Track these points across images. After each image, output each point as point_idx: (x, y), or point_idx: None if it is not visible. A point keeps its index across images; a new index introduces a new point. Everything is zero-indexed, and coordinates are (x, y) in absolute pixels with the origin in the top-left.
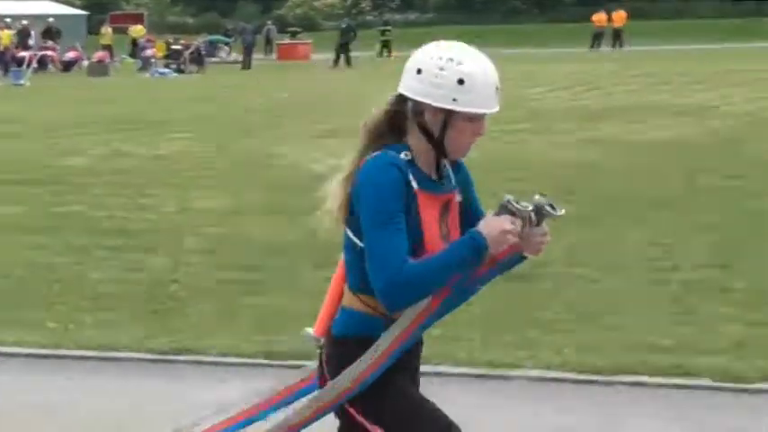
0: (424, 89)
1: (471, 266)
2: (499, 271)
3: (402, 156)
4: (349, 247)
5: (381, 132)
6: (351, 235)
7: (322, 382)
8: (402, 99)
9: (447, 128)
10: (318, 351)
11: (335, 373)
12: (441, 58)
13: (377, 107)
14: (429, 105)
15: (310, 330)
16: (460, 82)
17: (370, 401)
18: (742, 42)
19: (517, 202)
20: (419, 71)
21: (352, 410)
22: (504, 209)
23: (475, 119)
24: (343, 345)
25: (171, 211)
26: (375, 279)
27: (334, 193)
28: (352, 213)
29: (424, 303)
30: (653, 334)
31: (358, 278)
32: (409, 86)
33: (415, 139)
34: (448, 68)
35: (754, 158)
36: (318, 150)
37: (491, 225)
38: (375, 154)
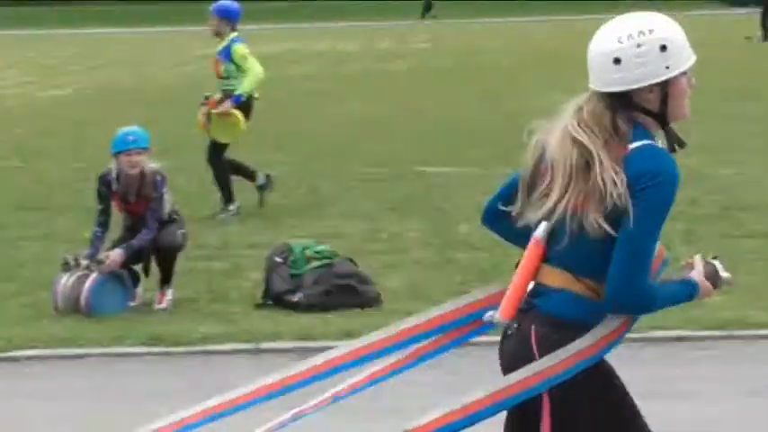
0: (632, 75)
1: (678, 303)
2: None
3: (660, 145)
4: (597, 236)
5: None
6: (605, 224)
7: (520, 363)
8: (599, 96)
9: (668, 97)
10: (510, 332)
11: (550, 352)
12: (631, 37)
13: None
14: (641, 87)
15: (496, 314)
16: (663, 48)
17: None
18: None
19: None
20: (617, 60)
21: (546, 402)
22: (713, 271)
23: (687, 71)
24: (566, 327)
25: None
26: (622, 277)
27: (564, 182)
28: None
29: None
30: None
31: (596, 265)
32: (614, 80)
33: (644, 124)
34: (645, 42)
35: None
36: None
37: (705, 287)
38: (644, 143)
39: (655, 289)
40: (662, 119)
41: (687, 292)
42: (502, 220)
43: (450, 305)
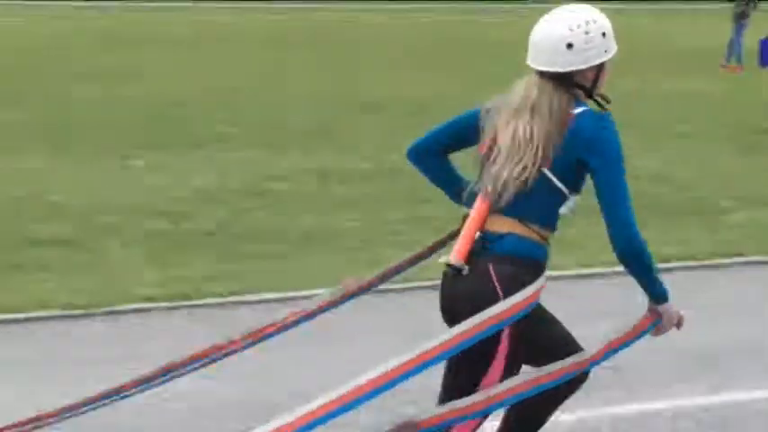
0: (581, 57)
1: (653, 290)
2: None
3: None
4: (546, 189)
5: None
6: (554, 179)
7: (483, 287)
8: (547, 75)
9: (599, 78)
10: (465, 273)
11: (510, 286)
12: (579, 26)
13: (522, 87)
14: (582, 68)
15: (450, 257)
16: (604, 35)
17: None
18: None
19: None
20: (570, 46)
21: (505, 332)
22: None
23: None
24: (520, 263)
25: None
26: (623, 226)
27: (524, 154)
28: (557, 161)
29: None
30: None
31: (545, 215)
32: (566, 62)
33: (578, 96)
34: (592, 30)
35: None
36: None
37: (674, 309)
38: (585, 109)
39: (645, 243)
40: (590, 93)
41: (662, 286)
42: (428, 158)
43: (404, 258)
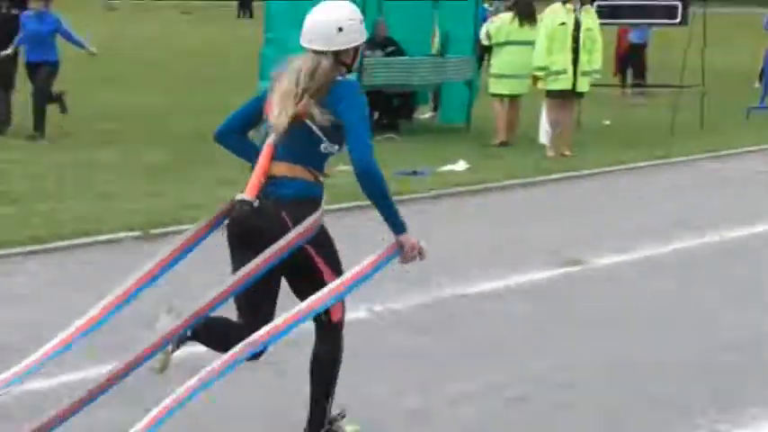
0: (349, 38)
1: (389, 219)
2: (384, 264)
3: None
4: (312, 138)
5: (318, 72)
6: (316, 130)
7: (280, 230)
8: (320, 53)
9: (356, 54)
10: (253, 208)
11: (298, 220)
12: (346, 15)
13: (301, 60)
14: (348, 47)
15: (242, 195)
16: (361, 22)
17: (322, 246)
18: None
19: None
20: (340, 29)
21: (311, 251)
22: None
23: None
24: (304, 203)
25: None
26: (363, 154)
27: (286, 106)
28: (319, 117)
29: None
30: None
31: (315, 159)
32: (338, 42)
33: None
34: (354, 18)
35: None
36: None
37: (414, 239)
38: (345, 78)
39: (381, 171)
40: (349, 67)
41: (399, 218)
42: (230, 137)
43: (203, 221)
